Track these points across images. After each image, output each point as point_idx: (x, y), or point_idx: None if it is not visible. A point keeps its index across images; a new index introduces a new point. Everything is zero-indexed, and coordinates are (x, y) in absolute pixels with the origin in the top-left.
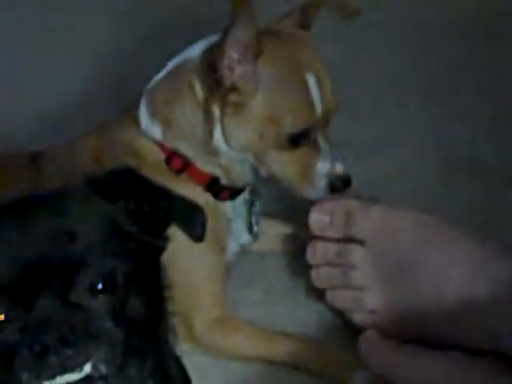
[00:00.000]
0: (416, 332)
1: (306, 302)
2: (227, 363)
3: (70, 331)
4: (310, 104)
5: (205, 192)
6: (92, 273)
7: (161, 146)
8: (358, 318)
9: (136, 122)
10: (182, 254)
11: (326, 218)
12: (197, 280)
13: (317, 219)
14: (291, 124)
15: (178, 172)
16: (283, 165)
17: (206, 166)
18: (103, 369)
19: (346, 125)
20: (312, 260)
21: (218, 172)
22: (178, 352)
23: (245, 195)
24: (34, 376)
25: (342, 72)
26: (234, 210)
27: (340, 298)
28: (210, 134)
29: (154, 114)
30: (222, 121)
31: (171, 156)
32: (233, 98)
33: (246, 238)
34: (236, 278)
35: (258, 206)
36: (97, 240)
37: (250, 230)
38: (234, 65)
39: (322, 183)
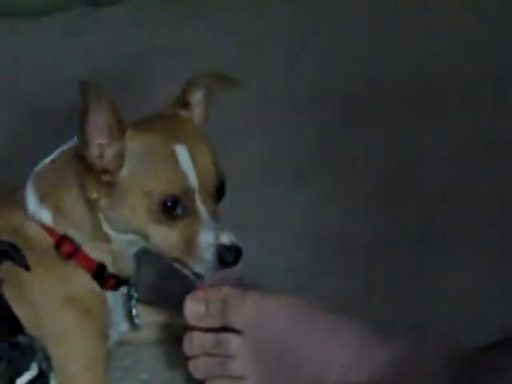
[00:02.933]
0: None
1: None
2: None
3: None
4: (178, 173)
5: (91, 279)
6: None
7: (50, 230)
8: None
9: (22, 205)
10: (64, 340)
11: (202, 308)
12: (80, 368)
13: (192, 309)
14: (160, 193)
15: (67, 258)
16: (165, 238)
17: (96, 253)
18: None
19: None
20: (189, 351)
21: (106, 259)
22: None
23: (123, 288)
24: None
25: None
26: (114, 299)
27: None
28: (98, 220)
29: (42, 199)
30: (104, 211)
31: (61, 241)
32: (105, 178)
33: (124, 326)
34: (111, 372)
35: (135, 298)
36: None
37: (131, 321)
38: (103, 149)
39: (207, 255)
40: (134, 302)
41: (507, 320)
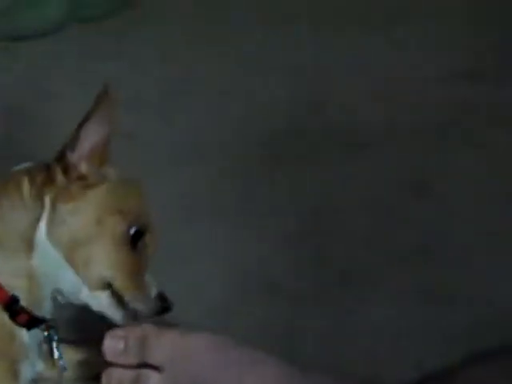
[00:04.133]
0: None
1: None
2: None
3: None
4: (146, 210)
5: (1, 312)
6: None
7: None
8: None
9: None
10: None
11: (120, 345)
12: None
13: (111, 346)
14: (134, 218)
15: None
16: (113, 264)
17: (11, 280)
18: None
19: None
20: None
21: (21, 289)
22: None
23: (43, 330)
24: None
25: None
26: (30, 337)
27: None
28: (34, 227)
29: None
30: (53, 208)
31: None
32: (77, 185)
33: (41, 366)
34: None
35: (56, 340)
36: None
37: (52, 363)
38: (86, 156)
39: (152, 295)
40: (55, 344)
41: (422, 359)
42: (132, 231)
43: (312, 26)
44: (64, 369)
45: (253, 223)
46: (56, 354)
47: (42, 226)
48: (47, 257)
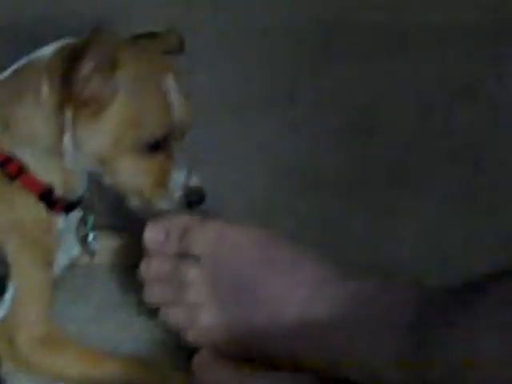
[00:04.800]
0: (255, 350)
1: (139, 319)
2: None
3: None
4: (169, 110)
5: (38, 203)
6: None
7: None
8: (192, 336)
9: None
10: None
11: (161, 236)
12: (20, 295)
13: (152, 237)
14: (151, 128)
15: (12, 179)
16: (136, 173)
17: (44, 174)
18: None
19: None
20: (145, 275)
21: (55, 181)
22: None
23: (78, 211)
24: None
25: None
26: (66, 223)
27: (174, 316)
28: (59, 137)
29: None
30: (74, 125)
31: (6, 161)
32: (91, 105)
33: (76, 251)
34: (63, 293)
35: (91, 222)
36: None
37: (85, 246)
38: (92, 75)
39: (176, 194)
40: (89, 226)
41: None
42: (151, 142)
43: None
44: (94, 253)
45: (299, 118)
46: (90, 236)
47: (67, 139)
48: (77, 162)
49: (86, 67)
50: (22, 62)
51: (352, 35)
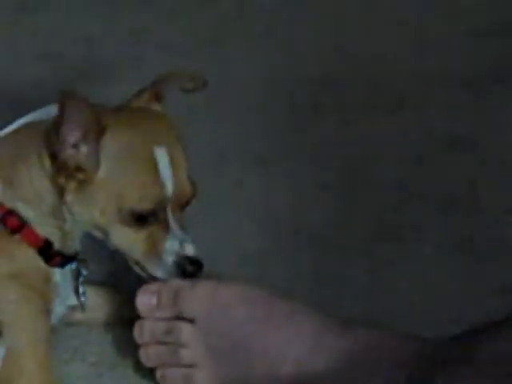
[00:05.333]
0: None
1: (136, 379)
2: None
3: None
4: (158, 183)
5: (37, 256)
6: None
7: None
8: None
9: None
10: (7, 317)
11: (153, 300)
12: (22, 344)
13: (144, 301)
14: (135, 201)
15: (13, 232)
16: (128, 241)
17: (43, 230)
18: None
19: None
20: (139, 339)
21: (54, 236)
22: None
23: (72, 264)
24: None
25: None
26: (62, 274)
27: (170, 377)
28: (58, 203)
29: None
30: (67, 194)
31: (7, 215)
32: (78, 176)
33: (73, 300)
34: (60, 352)
35: (83, 276)
36: None
37: (77, 299)
38: (78, 145)
39: (168, 263)
40: (81, 280)
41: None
42: (137, 215)
43: None
44: (84, 306)
45: (289, 172)
46: (81, 289)
47: (65, 206)
48: (75, 225)
49: (72, 135)
50: (25, 119)
51: (339, 90)
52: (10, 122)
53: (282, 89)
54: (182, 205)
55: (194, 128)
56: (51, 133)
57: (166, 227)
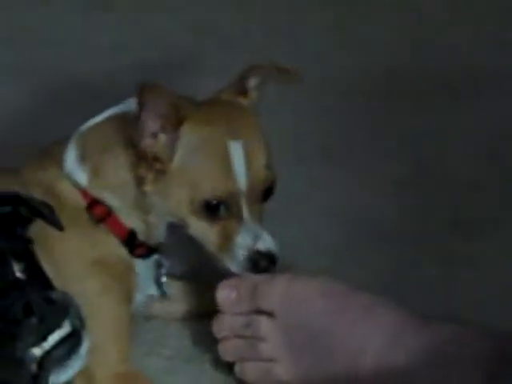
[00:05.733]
0: None
1: (212, 373)
2: None
3: None
4: (230, 175)
5: (121, 245)
6: None
7: (83, 192)
8: None
9: (57, 163)
10: (90, 304)
11: (233, 294)
12: (104, 332)
13: (224, 296)
14: (205, 193)
15: (99, 221)
16: (203, 233)
17: (129, 219)
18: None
19: None
20: (218, 333)
21: (138, 227)
22: None
23: (154, 255)
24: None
25: None
26: (144, 264)
27: (249, 371)
28: (141, 195)
29: (82, 159)
30: (146, 186)
31: (93, 204)
32: (156, 166)
33: (153, 289)
34: (138, 345)
35: (165, 266)
36: None
37: (159, 289)
38: (157, 134)
39: (242, 257)
40: (163, 270)
41: None
42: (209, 205)
43: None
44: (166, 295)
45: (361, 170)
46: (163, 278)
47: (147, 198)
48: (159, 215)
49: (151, 125)
50: (114, 110)
51: (409, 85)
52: (91, 114)
53: (358, 83)
54: (259, 198)
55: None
56: (133, 123)
57: (240, 221)
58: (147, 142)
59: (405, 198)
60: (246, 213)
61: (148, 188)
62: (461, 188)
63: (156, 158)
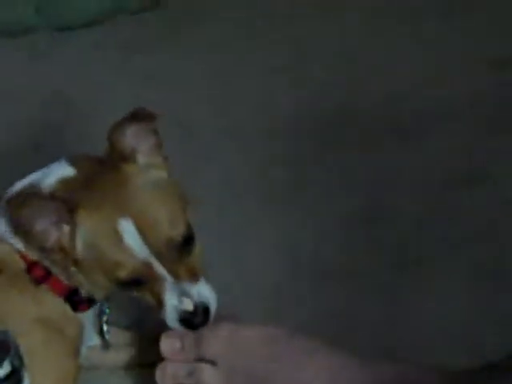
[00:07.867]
0: None
1: None
2: None
3: None
4: (128, 252)
5: (64, 303)
6: None
7: (21, 254)
8: None
9: None
10: (35, 359)
11: (177, 343)
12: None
13: (168, 345)
14: (115, 273)
15: (38, 282)
16: (137, 297)
17: (70, 281)
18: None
19: None
20: (161, 382)
21: (81, 285)
22: None
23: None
24: None
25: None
26: (85, 316)
27: None
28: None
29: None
30: (68, 269)
31: (32, 266)
32: (64, 255)
33: (94, 340)
34: None
35: (107, 315)
36: None
37: (101, 338)
38: (56, 229)
39: (172, 318)
40: (105, 318)
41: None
42: (126, 280)
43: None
44: (108, 344)
45: (304, 209)
46: (105, 327)
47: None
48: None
49: (40, 224)
50: (37, 175)
51: (351, 126)
52: None
53: (293, 126)
54: (177, 254)
55: (210, 168)
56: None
57: (164, 282)
58: (52, 240)
59: (351, 236)
60: (165, 274)
61: (72, 270)
62: (408, 226)
63: (62, 249)
